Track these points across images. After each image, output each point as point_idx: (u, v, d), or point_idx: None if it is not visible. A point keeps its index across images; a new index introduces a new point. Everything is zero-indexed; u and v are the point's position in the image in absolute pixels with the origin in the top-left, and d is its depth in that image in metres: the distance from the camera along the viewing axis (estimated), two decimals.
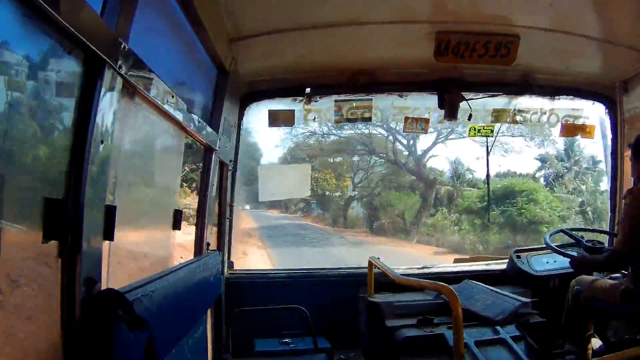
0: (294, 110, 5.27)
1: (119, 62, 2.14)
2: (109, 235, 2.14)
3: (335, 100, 5.25)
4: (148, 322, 2.14)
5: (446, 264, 5.91)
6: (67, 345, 1.87)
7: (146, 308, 2.29)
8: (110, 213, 2.14)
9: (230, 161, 4.93)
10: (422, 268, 5.44)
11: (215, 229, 4.77)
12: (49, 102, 1.84)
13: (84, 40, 1.83)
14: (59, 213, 1.79)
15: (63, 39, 1.80)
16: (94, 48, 1.91)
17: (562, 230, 4.75)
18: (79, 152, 1.92)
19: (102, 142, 2.03)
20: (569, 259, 4.24)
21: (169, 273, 2.90)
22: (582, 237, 4.65)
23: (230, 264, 5.16)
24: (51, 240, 1.78)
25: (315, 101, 5.24)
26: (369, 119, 5.28)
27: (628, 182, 5.05)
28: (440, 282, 3.44)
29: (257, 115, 5.32)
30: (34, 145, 1.78)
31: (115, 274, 2.45)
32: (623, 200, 3.97)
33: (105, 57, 2.00)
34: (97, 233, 2.05)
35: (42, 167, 1.81)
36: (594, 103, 5.56)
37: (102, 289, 2.04)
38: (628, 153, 4.84)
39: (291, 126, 5.29)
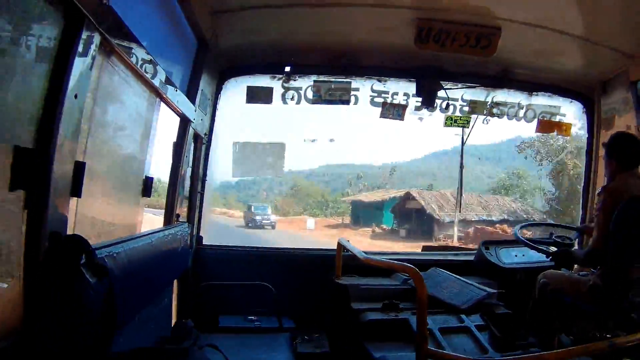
0: (272, 88, 5.23)
1: (100, 19, 2.12)
2: (76, 191, 2.13)
3: (315, 81, 5.23)
4: (108, 271, 2.13)
5: (415, 251, 5.94)
6: (27, 290, 1.87)
7: (110, 269, 2.28)
8: (79, 169, 2.13)
9: (205, 134, 4.89)
10: (391, 254, 5.46)
11: (186, 201, 4.74)
12: (27, 52, 1.81)
13: None
14: (28, 163, 1.78)
15: None
16: (75, 2, 1.89)
17: (532, 224, 4.79)
18: (52, 103, 1.91)
19: (76, 96, 2.01)
20: (549, 254, 4.25)
21: (136, 237, 2.89)
22: (552, 233, 4.67)
23: (200, 238, 5.12)
24: (18, 190, 1.77)
25: (295, 80, 5.21)
26: (347, 101, 5.25)
27: (601, 181, 5.13)
28: (407, 264, 3.45)
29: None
30: (8, 92, 1.75)
31: (82, 232, 2.43)
32: (597, 197, 4.00)
33: (86, 12, 1.98)
34: (64, 188, 2.04)
35: (15, 115, 1.79)
36: (571, 101, 5.60)
37: None
38: (602, 153, 4.92)
39: (269, 104, 5.26)
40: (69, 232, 2.17)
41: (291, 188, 38.96)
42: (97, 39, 2.15)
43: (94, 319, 2.14)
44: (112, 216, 3.11)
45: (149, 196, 3.52)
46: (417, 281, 3.16)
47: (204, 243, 5.20)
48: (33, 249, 1.87)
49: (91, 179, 2.32)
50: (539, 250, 4.41)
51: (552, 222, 4.98)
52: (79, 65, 2.01)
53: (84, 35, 2.02)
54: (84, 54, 2.04)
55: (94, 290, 2.06)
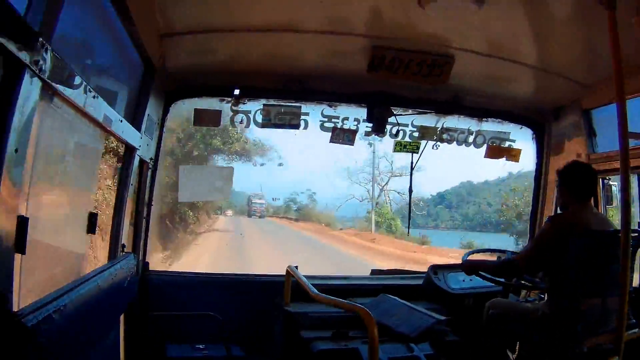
0: (220, 111, 5.13)
1: (40, 65, 1.99)
2: (20, 248, 2.01)
3: (264, 104, 5.15)
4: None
5: (364, 275, 5.91)
6: None
7: (57, 325, 2.17)
8: (22, 225, 2.00)
9: (151, 159, 4.73)
10: (340, 279, 5.44)
11: (131, 228, 4.58)
12: None
13: (3, 42, 1.69)
14: None
15: None
16: (13, 51, 1.77)
17: (478, 250, 4.87)
18: None
19: (16, 151, 1.89)
20: (494, 282, 4.36)
21: (81, 283, 2.76)
22: (499, 257, 4.74)
23: (146, 265, 4.94)
24: None
25: (244, 103, 5.13)
26: (297, 125, 5.21)
27: (550, 208, 5.31)
28: (357, 304, 3.46)
29: None
30: None
31: (28, 286, 2.31)
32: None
33: (25, 61, 1.86)
34: (8, 246, 1.92)
35: None
36: (522, 127, 5.68)
37: (13, 309, 1.93)
38: (551, 179, 5.02)
39: (217, 127, 5.15)
40: (15, 288, 2.06)
41: None
42: (38, 86, 2.02)
43: None
44: (59, 262, 2.98)
45: (94, 232, 3.38)
46: (367, 321, 3.24)
47: (150, 269, 5.04)
48: None
49: (36, 229, 2.19)
50: (484, 278, 4.47)
51: (494, 247, 5.06)
52: (18, 118, 1.88)
53: (24, 85, 1.89)
54: (25, 105, 1.91)
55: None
